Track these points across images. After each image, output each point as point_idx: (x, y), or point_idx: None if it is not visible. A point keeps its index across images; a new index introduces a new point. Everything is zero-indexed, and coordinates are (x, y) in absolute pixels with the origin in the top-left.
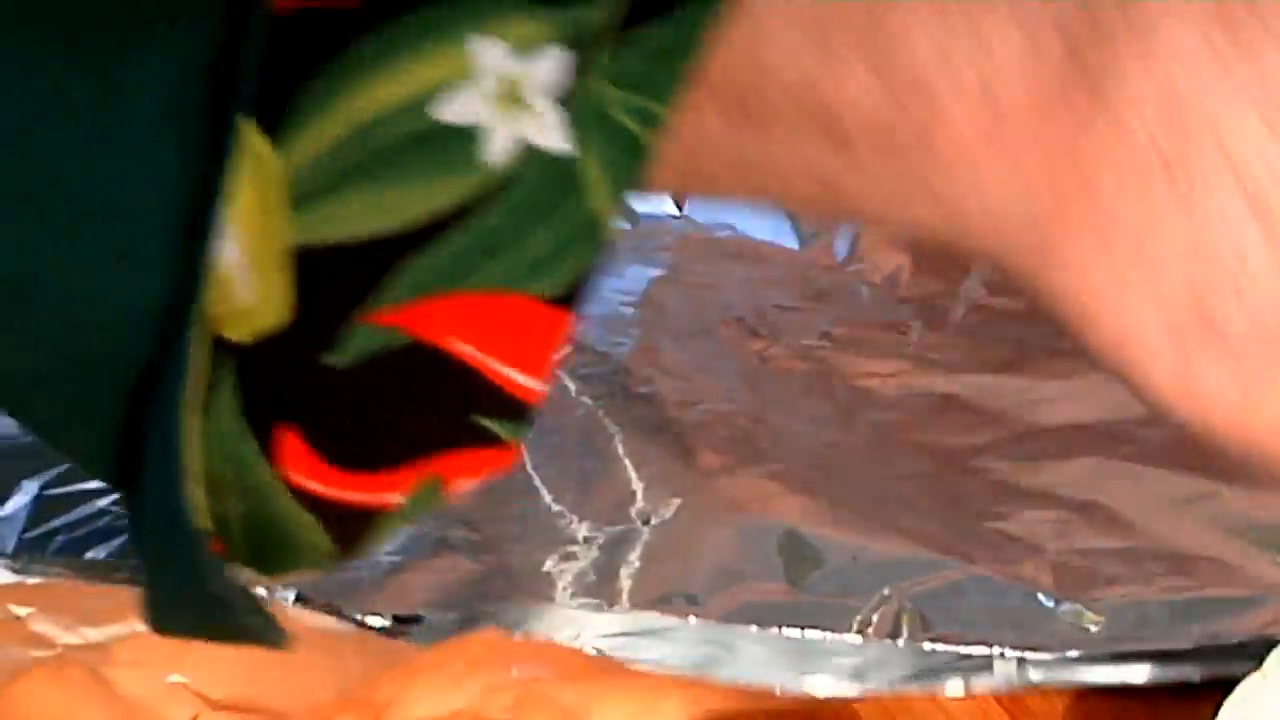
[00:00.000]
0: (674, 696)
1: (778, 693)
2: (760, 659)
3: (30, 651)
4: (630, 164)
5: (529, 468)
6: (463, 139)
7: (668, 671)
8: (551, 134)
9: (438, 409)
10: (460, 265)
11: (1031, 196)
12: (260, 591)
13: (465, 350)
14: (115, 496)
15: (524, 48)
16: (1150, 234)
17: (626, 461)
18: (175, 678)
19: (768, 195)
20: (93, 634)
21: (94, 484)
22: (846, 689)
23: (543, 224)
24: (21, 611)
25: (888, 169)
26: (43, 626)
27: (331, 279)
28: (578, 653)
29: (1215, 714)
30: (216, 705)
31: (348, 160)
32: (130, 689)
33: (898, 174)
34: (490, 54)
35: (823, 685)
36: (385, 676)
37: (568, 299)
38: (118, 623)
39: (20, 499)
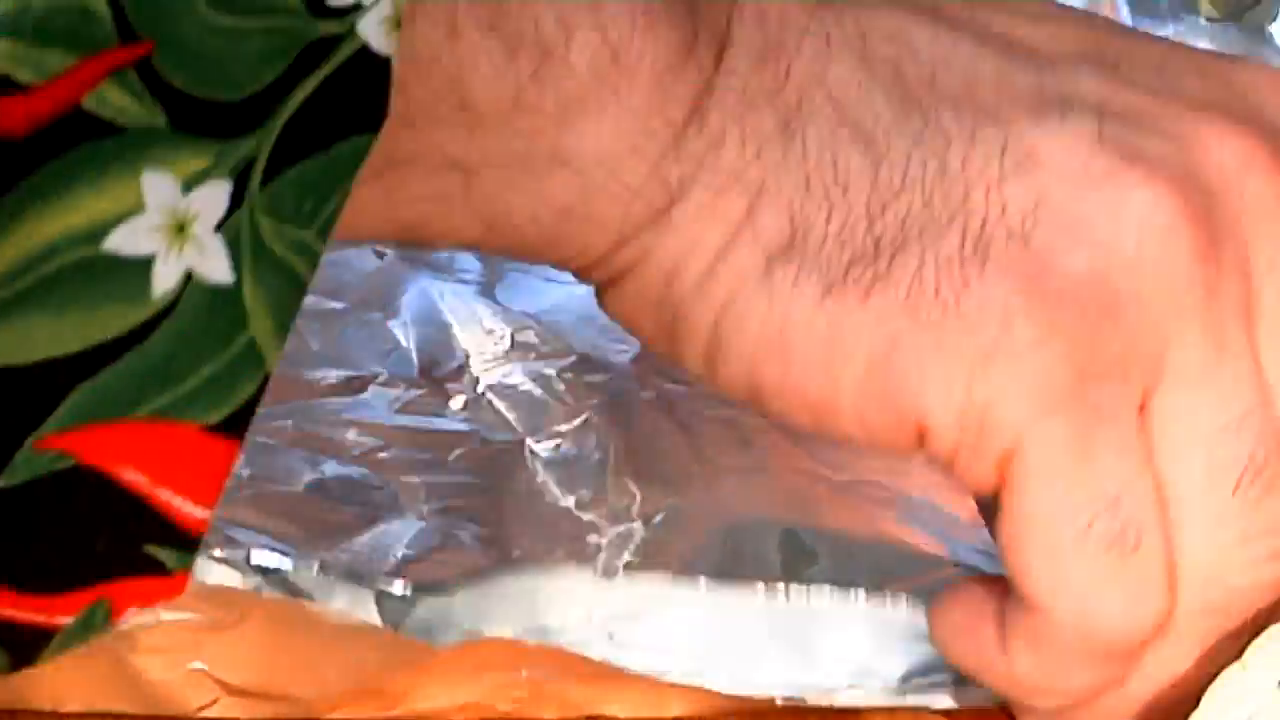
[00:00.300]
0: (679, 693)
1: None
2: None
3: None
4: (289, 292)
5: (538, 469)
6: (132, 269)
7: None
8: (214, 264)
9: (105, 535)
10: (127, 392)
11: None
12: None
13: (132, 477)
14: None
15: (192, 181)
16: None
17: (627, 463)
18: (196, 664)
19: (410, 215)
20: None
21: None
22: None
23: (207, 352)
24: None
25: (518, 139)
26: None
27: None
28: (587, 658)
29: (1197, 704)
30: (234, 691)
31: (19, 286)
32: (153, 674)
33: (527, 141)
34: (160, 187)
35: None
36: (400, 672)
37: (232, 427)
38: (144, 610)
39: None
